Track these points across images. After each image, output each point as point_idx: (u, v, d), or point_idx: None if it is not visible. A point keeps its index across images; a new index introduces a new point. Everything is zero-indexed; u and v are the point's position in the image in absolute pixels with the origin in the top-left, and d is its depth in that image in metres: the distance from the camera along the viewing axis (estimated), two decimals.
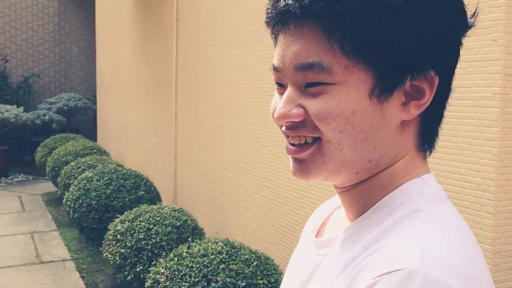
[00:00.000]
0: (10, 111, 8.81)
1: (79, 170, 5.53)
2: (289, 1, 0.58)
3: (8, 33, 10.96)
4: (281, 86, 0.64)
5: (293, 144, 0.63)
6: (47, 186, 8.21)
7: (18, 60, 11.05)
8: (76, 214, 4.37)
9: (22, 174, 9.33)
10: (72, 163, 5.84)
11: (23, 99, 10.35)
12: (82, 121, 11.29)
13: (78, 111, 10.48)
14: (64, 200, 4.66)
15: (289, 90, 0.61)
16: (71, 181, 5.40)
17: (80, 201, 4.38)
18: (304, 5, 0.57)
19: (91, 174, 4.57)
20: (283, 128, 0.63)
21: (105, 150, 7.23)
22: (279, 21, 0.60)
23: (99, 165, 5.50)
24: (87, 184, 4.44)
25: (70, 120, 10.63)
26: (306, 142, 0.62)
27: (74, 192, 4.45)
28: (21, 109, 9.11)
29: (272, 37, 0.65)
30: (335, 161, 0.61)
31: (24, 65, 11.14)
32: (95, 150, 6.75)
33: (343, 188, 0.67)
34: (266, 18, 0.63)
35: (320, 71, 0.58)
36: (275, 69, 0.63)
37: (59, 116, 9.81)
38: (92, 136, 9.98)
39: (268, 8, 0.62)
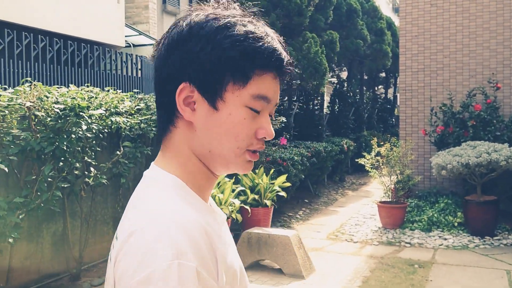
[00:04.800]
0: (499, 152, 6.68)
1: None
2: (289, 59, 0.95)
3: (501, 56, 8.94)
4: (257, 112, 0.91)
5: (256, 151, 0.94)
6: None
7: None
8: None
9: None
10: None
11: None
12: None
13: None
14: None
15: (267, 118, 0.93)
16: None
17: None
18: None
19: None
20: (260, 143, 0.93)
21: None
22: (283, 69, 0.93)
23: None
24: None
25: None
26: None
27: None
28: None
29: (256, 72, 0.90)
30: None
31: None
32: None
33: (219, 175, 0.99)
34: (276, 63, 0.92)
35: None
36: (267, 100, 0.91)
37: None
38: None
39: (278, 57, 0.92)
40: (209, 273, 0.81)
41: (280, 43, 0.94)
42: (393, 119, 20.91)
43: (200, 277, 0.78)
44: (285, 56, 0.92)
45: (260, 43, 0.89)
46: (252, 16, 0.94)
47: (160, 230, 0.79)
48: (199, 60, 0.88)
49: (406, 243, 6.81)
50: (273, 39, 0.92)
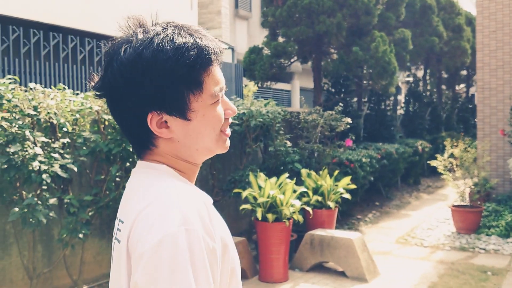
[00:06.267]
0: None
1: None
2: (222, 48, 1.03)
3: None
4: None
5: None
6: None
7: None
8: None
9: None
10: None
11: None
12: None
13: None
14: None
15: (226, 98, 1.04)
16: None
17: None
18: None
19: None
20: (227, 122, 1.05)
21: None
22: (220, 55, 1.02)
23: None
24: None
25: None
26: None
27: None
28: None
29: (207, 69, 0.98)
30: None
31: None
32: None
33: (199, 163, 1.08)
34: (215, 56, 0.99)
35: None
36: (221, 88, 1.01)
37: None
38: None
39: (214, 49, 0.99)
40: (211, 238, 0.91)
41: (202, 33, 0.99)
42: (475, 120, 19.85)
43: (204, 241, 0.88)
44: (215, 45, 0.99)
45: (193, 50, 0.94)
46: (170, 26, 1.00)
47: (168, 201, 0.90)
48: (153, 91, 0.93)
49: (481, 249, 6.46)
50: (198, 37, 0.97)
